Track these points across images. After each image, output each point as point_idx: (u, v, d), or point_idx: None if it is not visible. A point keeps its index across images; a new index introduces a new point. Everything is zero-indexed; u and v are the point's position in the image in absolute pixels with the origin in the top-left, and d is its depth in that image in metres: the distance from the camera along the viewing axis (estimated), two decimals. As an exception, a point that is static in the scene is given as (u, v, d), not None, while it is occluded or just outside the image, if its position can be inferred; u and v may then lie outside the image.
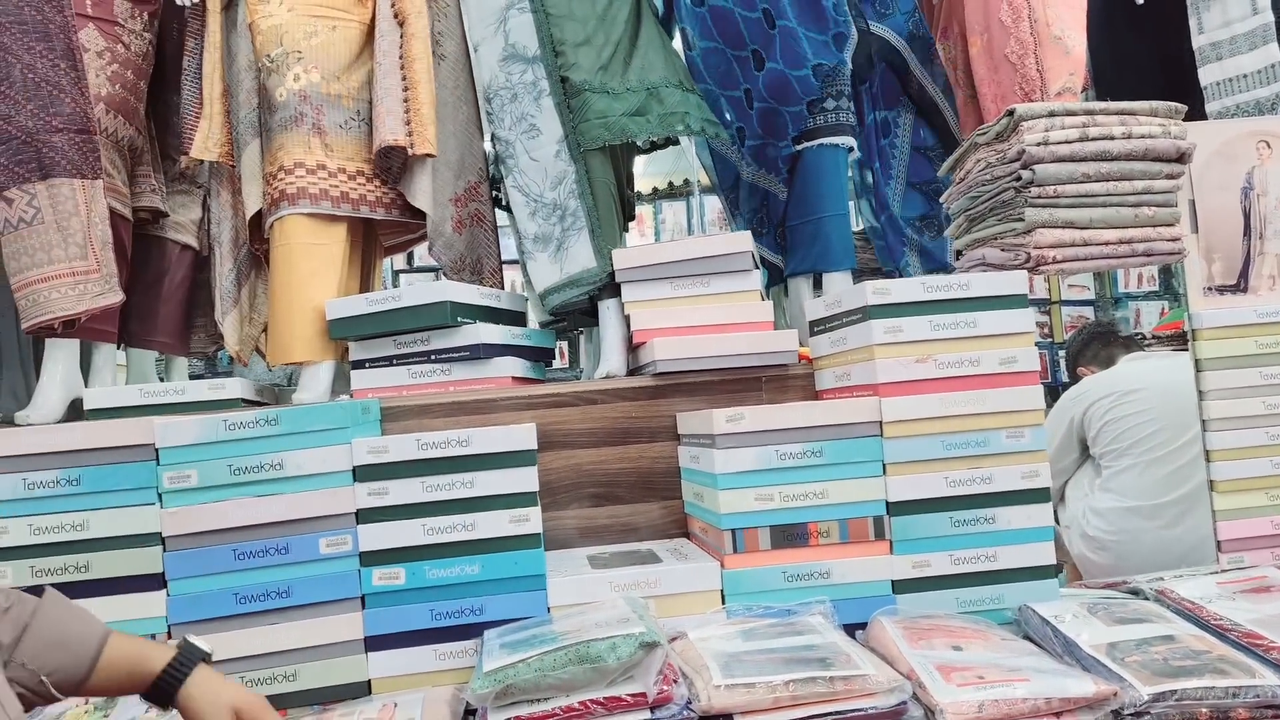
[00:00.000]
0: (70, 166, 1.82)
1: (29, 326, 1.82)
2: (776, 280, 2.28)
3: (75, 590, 1.47)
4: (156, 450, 1.50)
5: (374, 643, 1.52)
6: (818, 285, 2.17)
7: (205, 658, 1.16)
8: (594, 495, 1.85)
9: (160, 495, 1.50)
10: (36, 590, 1.11)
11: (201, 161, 2.08)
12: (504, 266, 2.32)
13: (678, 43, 2.31)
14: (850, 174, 2.23)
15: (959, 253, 1.89)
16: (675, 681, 1.25)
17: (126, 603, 1.48)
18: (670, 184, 2.56)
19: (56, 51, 1.82)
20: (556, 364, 3.10)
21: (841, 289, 1.95)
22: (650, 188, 5.20)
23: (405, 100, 1.98)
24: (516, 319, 2.08)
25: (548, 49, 1.97)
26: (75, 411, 1.92)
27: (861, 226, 2.38)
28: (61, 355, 1.91)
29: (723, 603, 1.55)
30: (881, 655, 1.35)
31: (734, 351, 1.81)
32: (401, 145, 1.95)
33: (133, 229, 2.09)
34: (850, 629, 1.47)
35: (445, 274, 2.22)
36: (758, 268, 1.93)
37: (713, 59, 2.10)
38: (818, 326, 1.82)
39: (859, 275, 2.13)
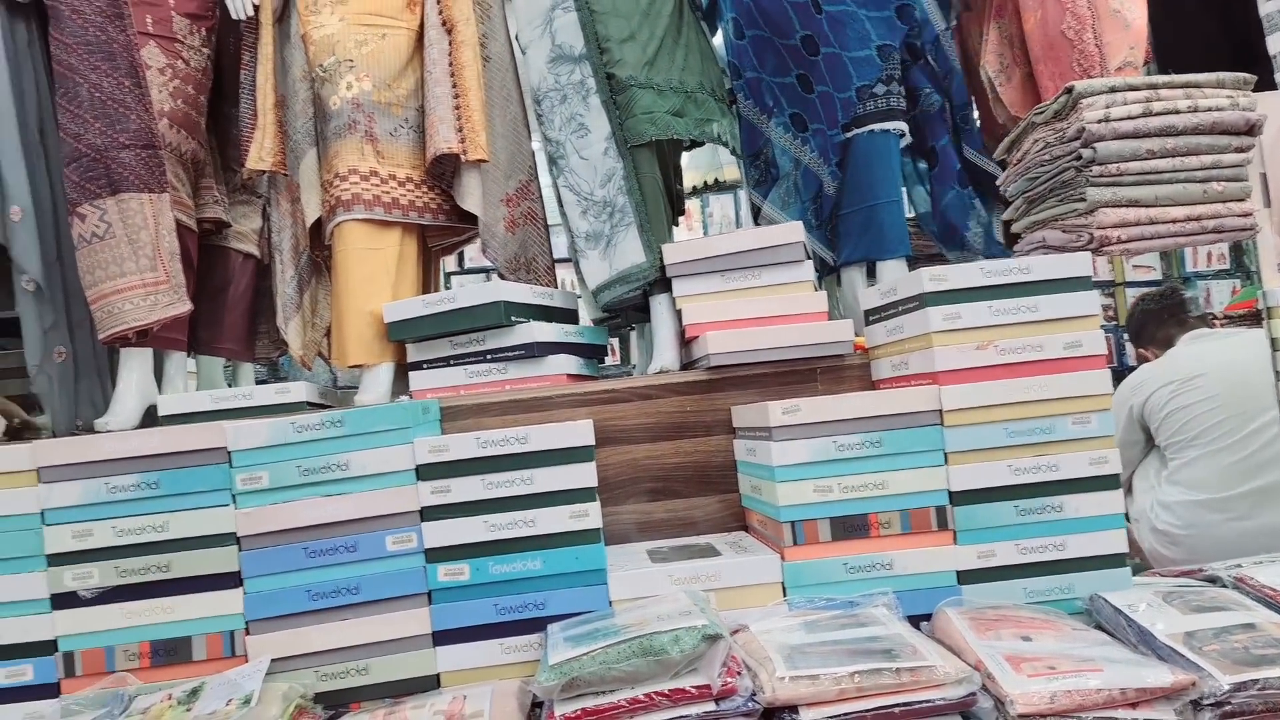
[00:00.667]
0: (138, 181, 1.88)
1: (105, 337, 1.89)
2: (827, 273, 2.25)
3: (157, 590, 1.54)
4: (229, 453, 1.55)
5: (441, 637, 1.54)
6: (871, 275, 2.14)
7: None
8: (651, 490, 1.86)
9: (234, 497, 1.55)
10: None
11: (261, 172, 2.13)
12: (556, 265, 2.34)
13: (718, 39, 2.30)
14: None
15: (1014, 236, 1.85)
16: (739, 673, 1.26)
17: (206, 601, 1.53)
18: (716, 180, 2.54)
19: (121, 70, 1.88)
20: (608, 361, 3.11)
21: (897, 277, 1.93)
22: (699, 182, 5.19)
23: (456, 108, 2.01)
24: (569, 317, 2.10)
25: (593, 46, 1.97)
26: (150, 418, 1.99)
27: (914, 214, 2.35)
28: (136, 364, 1.98)
29: (784, 595, 1.54)
30: (948, 647, 1.34)
31: (788, 343, 1.80)
32: (455, 152, 1.98)
33: (198, 240, 2.15)
34: (914, 620, 1.45)
35: (499, 274, 2.25)
36: (809, 258, 1.91)
37: (760, 47, 2.09)
38: (873, 316, 1.80)
39: (913, 263, 2.10)
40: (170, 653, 1.53)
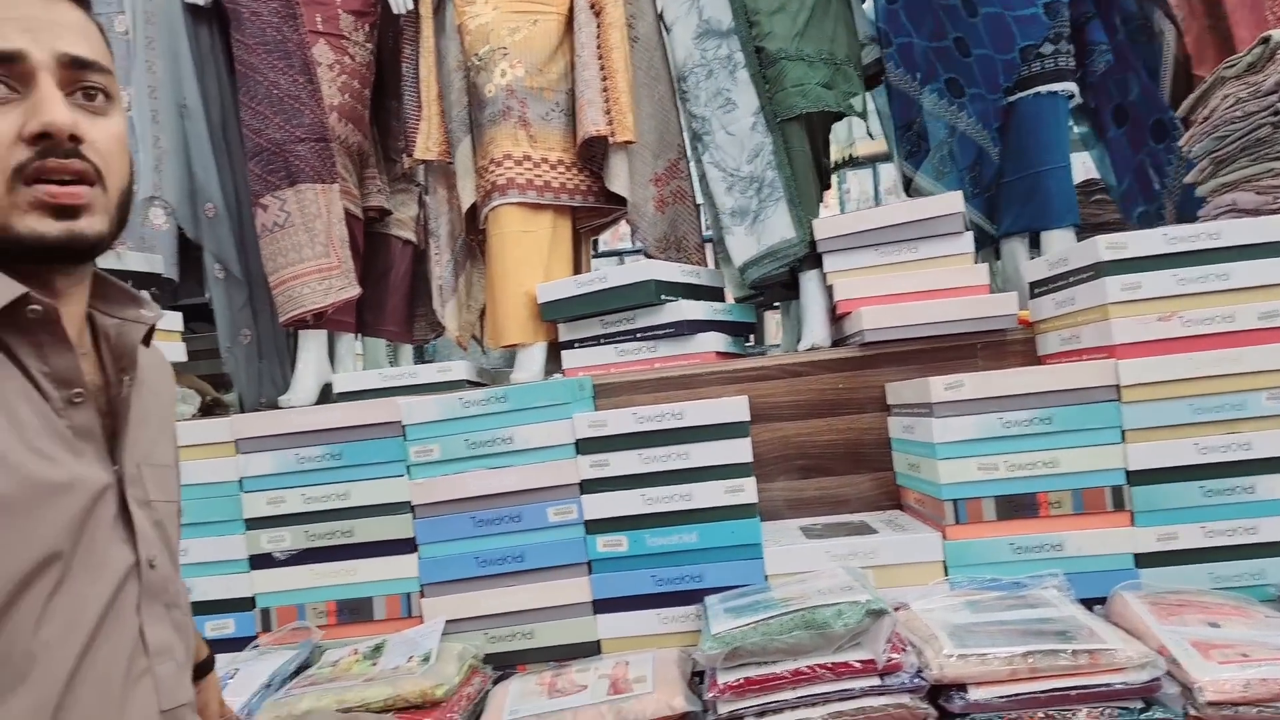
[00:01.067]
0: (313, 173, 2.00)
1: (285, 319, 2.03)
2: (985, 244, 2.17)
3: (342, 553, 1.65)
4: (404, 427, 1.64)
5: (601, 605, 1.60)
6: (1034, 245, 2.05)
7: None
8: (802, 467, 1.85)
9: (408, 468, 1.64)
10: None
11: (428, 161, 2.22)
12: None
13: (866, 6, 2.24)
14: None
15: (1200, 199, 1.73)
16: (903, 650, 1.24)
17: (384, 565, 1.63)
18: (850, 156, 2.49)
19: (295, 67, 2.00)
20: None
21: (1066, 246, 1.84)
22: (836, 157, 5.07)
23: (604, 90, 2.04)
24: (717, 295, 2.11)
25: (741, 20, 1.96)
26: (324, 394, 2.13)
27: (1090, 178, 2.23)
28: (313, 345, 2.11)
29: (945, 574, 1.51)
30: (1126, 631, 1.28)
31: (948, 318, 1.75)
32: (603, 134, 2.01)
33: (363, 227, 2.27)
34: (1086, 604, 1.39)
35: (645, 253, 2.28)
36: (968, 229, 1.85)
37: (915, 10, 2.02)
38: (1040, 287, 1.73)
39: (1080, 232, 2.00)
40: (354, 611, 1.64)
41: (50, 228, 0.73)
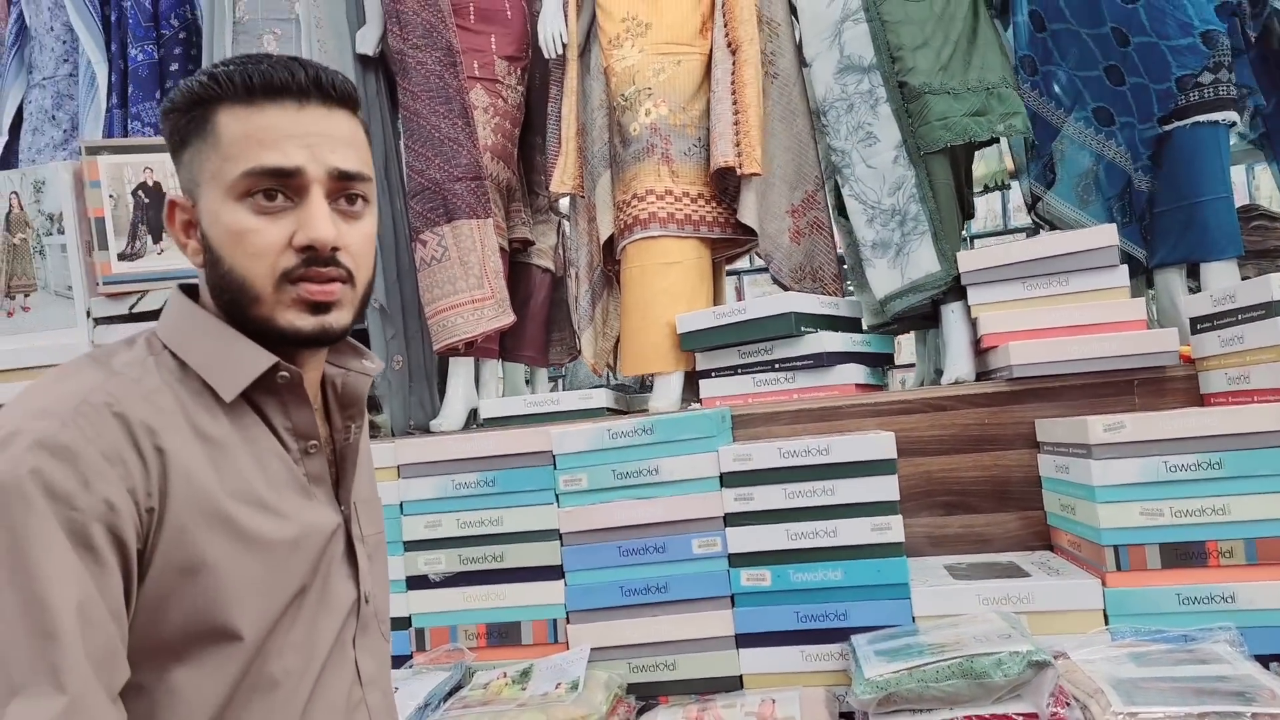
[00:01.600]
0: (468, 209, 2.11)
1: (439, 348, 2.13)
2: (1135, 274, 2.09)
3: (493, 577, 1.72)
4: (553, 456, 1.70)
5: (744, 640, 1.61)
6: (1191, 277, 1.97)
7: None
8: (945, 504, 1.82)
9: (557, 496, 1.70)
10: None
11: (563, 195, 2.30)
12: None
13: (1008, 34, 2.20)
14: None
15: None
16: (1068, 704, 1.21)
17: (533, 590, 1.69)
18: (1000, 182, 2.45)
19: (455, 111, 2.11)
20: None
21: (1231, 282, 1.76)
22: (989, 182, 4.96)
23: (735, 123, 2.07)
24: (855, 326, 2.10)
25: (884, 56, 1.96)
26: (471, 419, 2.22)
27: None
28: (462, 372, 2.22)
29: (1105, 623, 1.46)
30: (1311, 693, 1.21)
31: (1105, 354, 1.69)
32: (731, 166, 2.05)
33: (508, 258, 2.37)
34: (1262, 661, 1.33)
35: (782, 283, 2.29)
36: (1122, 263, 1.79)
37: (1064, 39, 1.98)
38: (1203, 323, 1.66)
39: (1242, 261, 1.91)
40: (503, 635, 1.71)
41: (306, 322, 0.81)
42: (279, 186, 0.80)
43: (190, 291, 0.88)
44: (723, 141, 2.07)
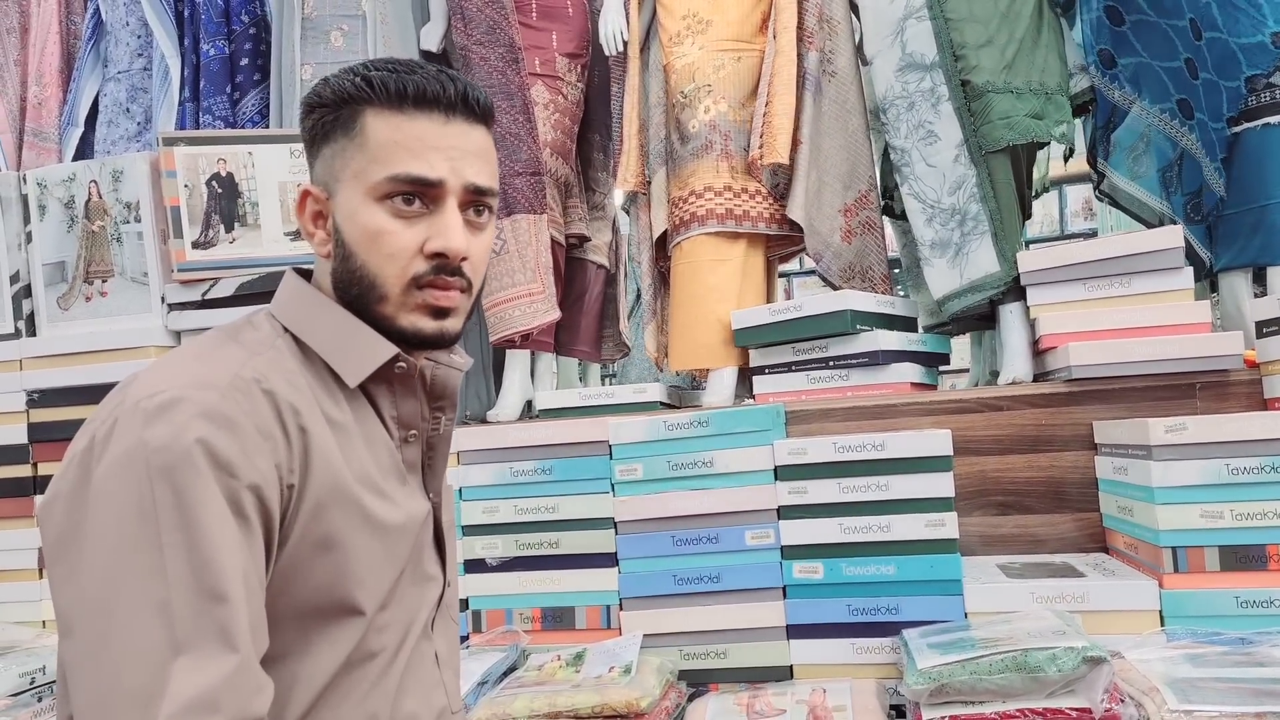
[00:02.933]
0: (526, 204, 2.15)
1: (496, 339, 2.18)
2: (1199, 277, 2.07)
3: (548, 563, 1.75)
4: (610, 446, 1.74)
5: (795, 631, 1.63)
6: (1258, 281, 1.94)
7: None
8: (999, 504, 1.81)
9: (613, 485, 1.73)
10: None
11: (628, 192, 2.33)
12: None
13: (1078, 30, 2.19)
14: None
15: None
16: (1122, 701, 1.21)
17: (587, 576, 1.73)
18: (1046, 186, 2.44)
19: (516, 107, 2.16)
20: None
21: (1299, 285, 1.74)
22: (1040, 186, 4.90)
23: (764, 114, 2.08)
24: (910, 325, 2.10)
25: (947, 54, 1.96)
26: (526, 411, 2.26)
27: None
28: (518, 364, 2.26)
29: (1161, 625, 1.46)
30: (1375, 699, 1.20)
31: (1167, 356, 1.68)
32: (754, 159, 2.05)
33: (565, 253, 2.40)
34: (1324, 666, 1.31)
35: (832, 282, 2.29)
36: (1188, 265, 1.77)
37: (1145, 30, 1.95)
38: (1269, 327, 1.63)
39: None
40: (557, 619, 1.75)
41: (428, 325, 0.86)
42: (418, 193, 0.84)
43: (303, 275, 0.92)
44: (756, 135, 2.08)
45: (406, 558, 0.87)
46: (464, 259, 0.85)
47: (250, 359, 0.80)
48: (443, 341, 0.87)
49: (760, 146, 2.07)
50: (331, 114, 0.85)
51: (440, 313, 0.85)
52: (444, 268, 0.84)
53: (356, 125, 0.84)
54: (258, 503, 0.74)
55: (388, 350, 0.86)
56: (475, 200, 0.86)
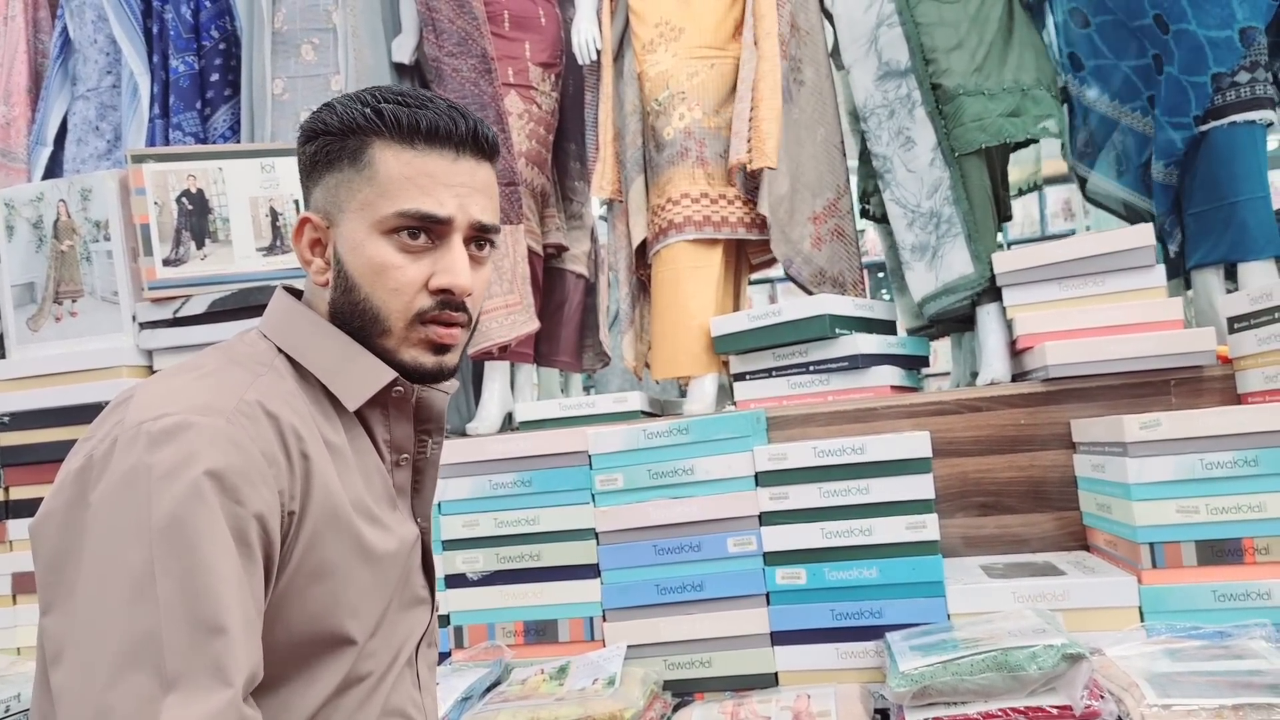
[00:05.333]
0: (502, 215, 2.14)
1: (474, 352, 2.16)
2: (1172, 274, 2.09)
3: (530, 576, 1.74)
4: (589, 456, 1.73)
5: (779, 637, 1.62)
6: (1228, 277, 1.96)
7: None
8: (980, 504, 1.82)
9: (593, 495, 1.72)
10: None
11: (603, 201, 2.33)
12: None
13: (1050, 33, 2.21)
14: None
15: None
16: (1102, 697, 1.22)
17: (570, 588, 1.71)
18: (1036, 182, 2.46)
19: (490, 118, 2.15)
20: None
21: (1268, 281, 1.76)
22: (1024, 184, 4.95)
23: (750, 119, 2.08)
24: (890, 328, 2.11)
25: (918, 58, 1.97)
26: (506, 423, 2.25)
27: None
28: (498, 376, 2.25)
29: (1140, 620, 1.46)
30: (1352, 690, 1.21)
31: (1142, 353, 1.69)
32: (742, 162, 2.06)
33: (542, 263, 2.40)
34: (1302, 658, 1.32)
35: (804, 289, 2.30)
36: (1159, 263, 1.79)
37: (1110, 31, 1.98)
38: (1240, 323, 1.65)
39: (1280, 263, 1.90)
40: (540, 632, 1.73)
41: (428, 360, 0.86)
42: (424, 228, 0.84)
43: (293, 293, 0.91)
44: (738, 140, 2.08)
45: (396, 584, 0.87)
46: (468, 294, 0.85)
47: (253, 381, 0.79)
48: (441, 376, 0.88)
49: (748, 151, 2.07)
50: (337, 142, 0.85)
51: (440, 349, 0.86)
52: (449, 303, 0.84)
53: (365, 157, 0.84)
54: (261, 532, 0.72)
55: (387, 374, 0.86)
56: (478, 236, 0.87)
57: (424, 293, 0.84)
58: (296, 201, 2.04)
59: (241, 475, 0.71)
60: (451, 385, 0.97)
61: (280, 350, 0.86)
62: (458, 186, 0.84)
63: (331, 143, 0.85)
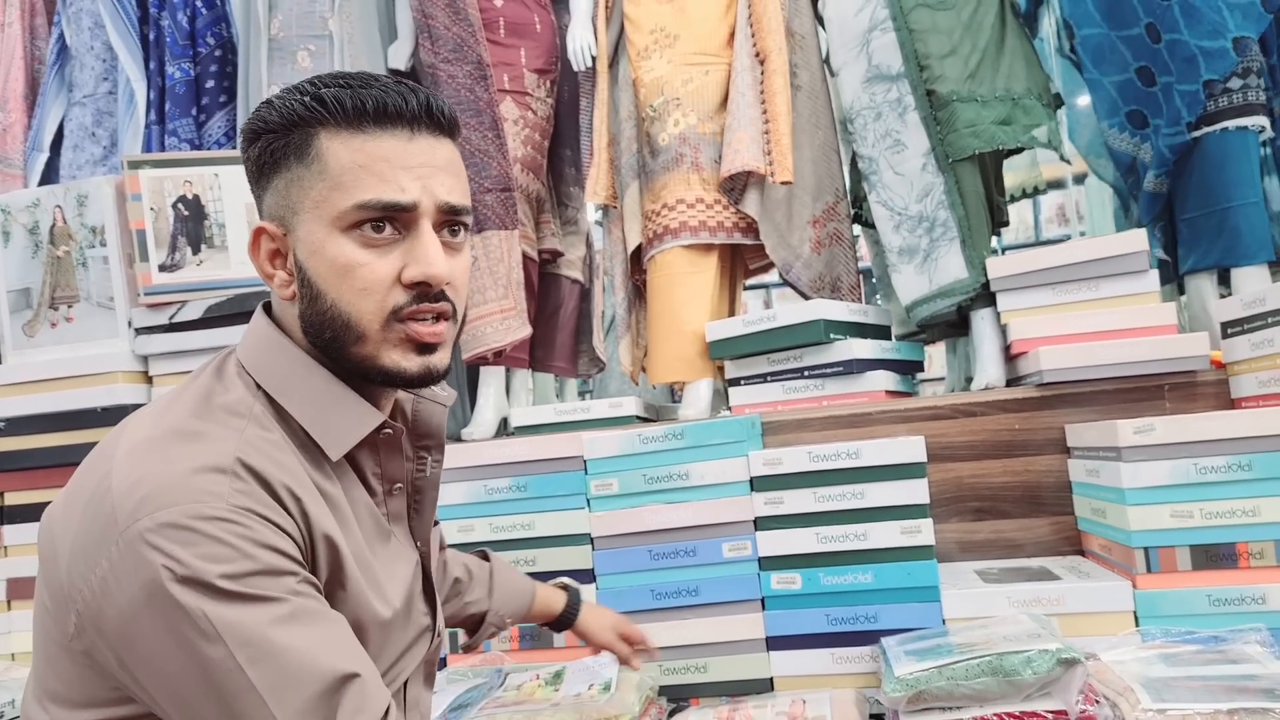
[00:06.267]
0: (497, 220, 2.14)
1: (469, 357, 2.17)
2: (1165, 279, 2.10)
3: (525, 580, 1.73)
4: (584, 461, 1.73)
5: (775, 642, 1.62)
6: (1222, 282, 1.97)
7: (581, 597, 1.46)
8: (975, 509, 1.82)
9: (588, 500, 1.72)
10: (480, 552, 1.39)
11: (598, 206, 2.34)
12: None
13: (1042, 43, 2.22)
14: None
15: None
16: (1097, 702, 1.22)
17: (565, 594, 1.70)
18: (1035, 187, 2.47)
19: (485, 124, 2.16)
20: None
21: (1261, 286, 1.76)
22: (1018, 190, 4.97)
23: (766, 132, 2.09)
24: (884, 333, 2.11)
25: (912, 65, 1.98)
26: (501, 428, 2.25)
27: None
28: (493, 381, 2.25)
29: (1135, 625, 1.46)
30: (1346, 694, 1.21)
31: (1136, 358, 1.69)
32: (762, 173, 2.07)
33: (538, 268, 2.40)
34: (1296, 662, 1.32)
35: (803, 292, 2.30)
36: (1153, 268, 1.80)
37: (1098, 43, 1.99)
38: (1234, 328, 1.66)
39: (1275, 268, 1.90)
40: (535, 638, 1.73)
41: (412, 363, 0.79)
42: (388, 219, 0.76)
43: (269, 309, 0.85)
44: (754, 146, 2.08)
45: (397, 637, 0.84)
46: (446, 284, 0.79)
47: (238, 439, 0.73)
48: (429, 379, 0.80)
49: (769, 164, 2.08)
50: (280, 139, 0.77)
51: (425, 348, 0.79)
52: (425, 295, 0.77)
53: (311, 150, 0.76)
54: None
55: (373, 419, 0.80)
56: (450, 220, 0.80)
57: (397, 288, 0.77)
58: (292, 207, 2.04)
59: (252, 561, 0.68)
60: (449, 396, 0.92)
61: (259, 386, 0.79)
62: (417, 168, 0.76)
63: (274, 140, 0.78)
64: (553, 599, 1.41)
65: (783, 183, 2.10)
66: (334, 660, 0.67)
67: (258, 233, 0.81)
